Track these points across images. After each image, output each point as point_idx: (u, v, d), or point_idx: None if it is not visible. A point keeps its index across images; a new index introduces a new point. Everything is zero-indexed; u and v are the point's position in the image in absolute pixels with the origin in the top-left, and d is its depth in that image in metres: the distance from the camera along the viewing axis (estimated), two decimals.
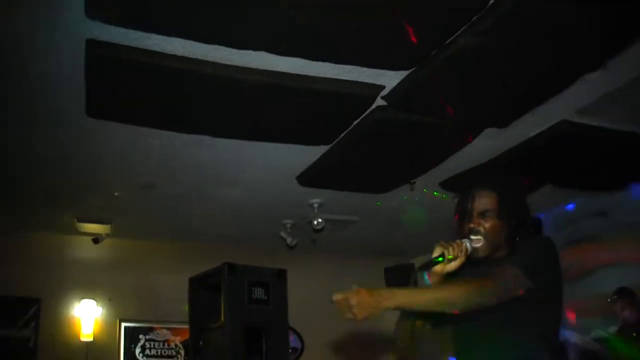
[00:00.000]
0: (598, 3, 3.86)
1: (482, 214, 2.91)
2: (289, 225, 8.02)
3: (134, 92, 4.67)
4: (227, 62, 4.35)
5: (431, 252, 2.80)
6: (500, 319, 2.80)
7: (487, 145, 5.92)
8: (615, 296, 6.60)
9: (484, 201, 2.93)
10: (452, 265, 2.81)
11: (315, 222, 7.41)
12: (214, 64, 4.34)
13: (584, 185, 7.12)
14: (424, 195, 7.13)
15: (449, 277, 2.84)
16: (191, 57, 4.26)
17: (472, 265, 2.88)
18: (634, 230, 7.38)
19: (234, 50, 4.19)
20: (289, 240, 8.02)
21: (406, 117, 5.20)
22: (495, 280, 2.73)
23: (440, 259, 2.77)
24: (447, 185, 6.91)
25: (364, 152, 5.87)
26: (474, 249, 2.87)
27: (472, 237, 2.87)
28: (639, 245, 7.32)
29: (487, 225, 2.90)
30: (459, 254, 2.80)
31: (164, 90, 4.65)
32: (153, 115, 5.12)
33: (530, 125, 5.56)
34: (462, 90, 4.80)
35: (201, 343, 6.11)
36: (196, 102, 4.82)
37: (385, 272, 9.95)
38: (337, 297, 2.59)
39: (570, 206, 8.00)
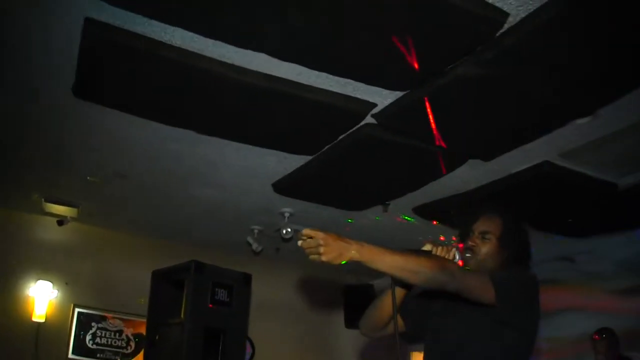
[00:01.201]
0: (599, 50, 3.89)
1: (483, 235, 2.96)
2: (256, 231, 7.96)
3: (125, 77, 4.61)
4: (225, 60, 4.31)
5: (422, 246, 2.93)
6: (468, 324, 2.87)
7: (468, 176, 5.94)
8: (604, 335, 6.40)
9: (487, 223, 3.00)
10: None
11: (284, 232, 7.37)
12: (211, 60, 4.30)
13: (555, 229, 7.18)
14: (394, 218, 7.14)
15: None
16: (189, 49, 4.22)
17: None
18: (596, 278, 7.49)
19: (233, 49, 4.15)
20: (254, 246, 7.97)
21: (393, 138, 5.19)
22: (463, 271, 2.81)
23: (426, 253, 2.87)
24: (420, 211, 6.92)
25: (345, 167, 5.85)
26: (464, 260, 2.92)
27: (466, 254, 2.93)
28: (600, 294, 7.44)
29: (485, 247, 2.96)
30: (445, 257, 2.90)
31: (155, 79, 4.58)
32: (140, 104, 5.04)
33: (513, 161, 5.58)
34: (453, 118, 4.81)
35: (157, 337, 6.07)
36: (187, 96, 4.76)
37: (343, 289, 9.94)
38: (306, 231, 2.63)
39: None
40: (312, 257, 2.64)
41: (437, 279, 2.68)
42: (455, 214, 3.18)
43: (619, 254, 7.36)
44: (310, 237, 2.62)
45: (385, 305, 3.21)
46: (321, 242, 2.59)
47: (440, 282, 2.69)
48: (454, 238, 3.14)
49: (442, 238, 7.57)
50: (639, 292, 7.08)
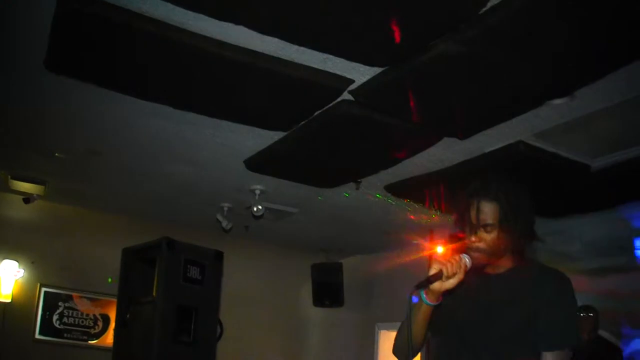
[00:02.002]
0: (580, 32, 3.89)
1: (485, 227, 2.82)
2: (226, 209, 7.92)
3: (101, 50, 4.51)
4: (204, 34, 4.24)
5: (428, 270, 2.70)
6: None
7: (441, 154, 5.94)
8: (591, 313, 6.17)
9: (487, 212, 2.79)
10: (451, 283, 2.70)
11: (255, 209, 7.33)
12: (191, 34, 4.22)
13: None
14: (365, 196, 7.13)
15: (447, 295, 2.78)
16: (168, 22, 4.14)
17: (473, 273, 2.81)
18: (565, 259, 7.55)
19: (212, 22, 4.07)
20: (224, 223, 7.92)
21: (369, 115, 5.15)
22: None
23: (436, 275, 2.71)
24: (391, 189, 6.92)
25: (319, 144, 5.82)
26: (472, 259, 2.81)
27: (472, 253, 2.81)
28: (569, 274, 7.48)
29: (489, 237, 2.79)
30: (458, 271, 2.70)
31: (133, 52, 4.50)
32: (117, 77, 4.94)
33: (487, 140, 5.59)
34: (431, 96, 4.80)
35: (128, 316, 6.01)
36: (164, 70, 4.69)
37: (312, 268, 9.95)
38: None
39: None
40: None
41: None
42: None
43: (588, 235, 7.42)
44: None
45: (419, 329, 2.94)
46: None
47: None
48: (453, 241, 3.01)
49: (412, 217, 7.66)
50: (608, 272, 7.14)
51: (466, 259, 2.71)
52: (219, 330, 8.52)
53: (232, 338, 8.35)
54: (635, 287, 6.82)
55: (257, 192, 7.31)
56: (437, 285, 2.70)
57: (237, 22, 4.04)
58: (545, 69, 4.36)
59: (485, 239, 2.79)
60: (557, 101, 4.83)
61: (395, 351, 3.02)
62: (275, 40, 4.23)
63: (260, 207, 7.35)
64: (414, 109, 4.91)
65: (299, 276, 9.99)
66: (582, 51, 4.12)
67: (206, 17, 4.02)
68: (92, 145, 6.35)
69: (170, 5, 3.94)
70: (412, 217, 7.69)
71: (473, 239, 2.79)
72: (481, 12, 3.78)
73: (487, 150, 5.81)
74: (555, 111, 5.02)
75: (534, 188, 6.18)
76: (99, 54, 4.58)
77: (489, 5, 3.73)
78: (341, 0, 3.73)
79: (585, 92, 4.68)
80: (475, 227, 2.79)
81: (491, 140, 5.60)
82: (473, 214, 2.80)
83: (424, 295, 2.76)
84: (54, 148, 6.51)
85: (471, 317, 2.85)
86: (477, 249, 2.79)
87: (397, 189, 6.89)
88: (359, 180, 6.76)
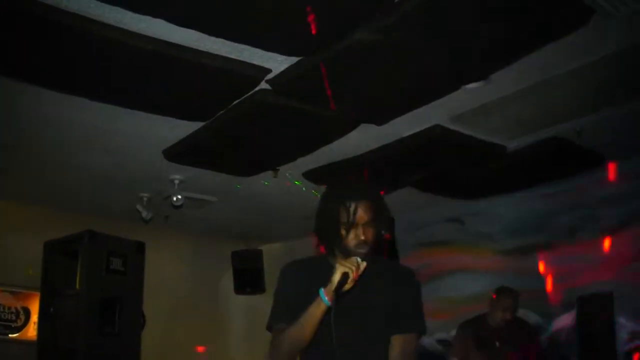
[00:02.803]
0: (493, 18, 4.05)
1: (366, 224, 2.97)
2: (145, 199, 7.90)
3: (14, 42, 4.44)
4: (121, 26, 4.25)
5: (333, 275, 2.81)
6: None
7: (359, 140, 6.08)
8: (510, 293, 6.22)
9: (365, 209, 2.96)
10: (351, 284, 2.84)
11: (175, 199, 7.34)
12: (107, 26, 4.21)
13: (445, 191, 7.42)
14: (283, 183, 7.22)
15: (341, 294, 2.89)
16: (84, 15, 4.13)
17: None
18: (485, 239, 7.78)
19: (130, 15, 4.09)
20: (144, 214, 7.89)
21: (286, 103, 5.23)
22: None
23: (344, 278, 2.83)
24: (309, 175, 7.04)
25: (237, 133, 5.88)
26: (363, 256, 2.96)
27: (360, 250, 2.95)
28: (489, 254, 7.72)
29: (370, 235, 2.98)
30: (359, 272, 2.85)
31: (48, 45, 4.43)
32: (31, 70, 4.86)
33: (405, 125, 5.76)
34: (347, 84, 4.91)
35: (52, 309, 5.99)
36: (79, 62, 4.66)
37: (232, 255, 10.01)
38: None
39: None
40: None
41: None
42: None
43: (506, 216, 7.68)
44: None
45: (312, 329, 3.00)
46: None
47: None
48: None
49: None
50: (526, 252, 7.40)
51: (359, 260, 2.86)
52: (142, 320, 8.54)
53: (155, 328, 8.35)
54: (557, 264, 7.10)
55: (176, 181, 7.31)
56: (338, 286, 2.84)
57: (154, 14, 4.07)
58: (460, 54, 4.51)
59: (367, 236, 2.96)
60: (473, 85, 5.01)
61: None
62: (193, 31, 4.27)
63: (179, 196, 7.36)
64: (331, 97, 5.00)
65: (220, 264, 10.03)
66: (494, 36, 4.26)
67: (124, 10, 4.04)
68: (5, 139, 6.23)
69: None
70: None
71: (362, 237, 2.94)
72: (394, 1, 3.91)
73: (404, 134, 5.97)
74: (470, 95, 5.19)
75: (451, 170, 6.50)
76: (10, 46, 4.50)
77: None
78: None
79: (500, 75, 4.86)
80: (359, 226, 2.95)
81: (408, 124, 5.76)
82: (356, 214, 2.94)
83: (324, 296, 2.85)
84: None
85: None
86: (366, 247, 2.96)
87: (315, 175, 7.00)
88: (277, 168, 6.85)
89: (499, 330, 6.16)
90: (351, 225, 2.94)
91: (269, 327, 3.16)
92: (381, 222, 3.04)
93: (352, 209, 2.93)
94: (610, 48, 4.54)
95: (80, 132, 6.12)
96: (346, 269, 2.79)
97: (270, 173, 7.00)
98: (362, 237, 2.94)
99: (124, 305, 5.93)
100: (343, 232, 2.95)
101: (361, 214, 2.95)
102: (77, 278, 5.75)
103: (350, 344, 2.92)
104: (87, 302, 5.65)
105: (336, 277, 2.78)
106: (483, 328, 6.25)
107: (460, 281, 7.87)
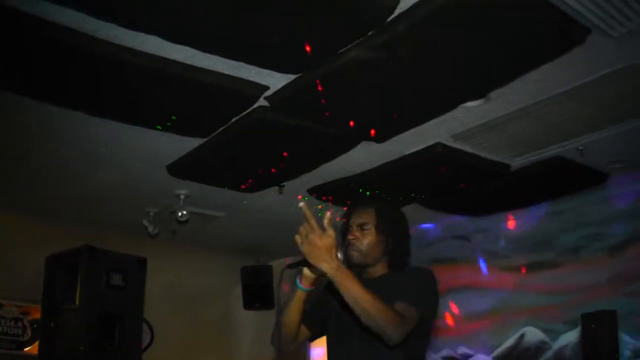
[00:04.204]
0: (490, 36, 4.04)
1: (361, 227, 3.08)
2: (152, 214, 7.91)
3: (11, 58, 4.45)
4: (116, 42, 4.26)
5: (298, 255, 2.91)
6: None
7: (361, 157, 6.06)
8: None
9: (363, 215, 3.14)
10: (319, 270, 2.89)
11: (180, 214, 7.34)
12: (102, 41, 4.22)
13: (450, 208, 7.39)
14: (290, 199, 7.20)
15: (326, 284, 2.95)
16: (80, 30, 4.14)
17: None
18: (493, 257, 7.74)
19: (124, 31, 4.10)
20: (150, 229, 7.91)
21: (285, 120, 5.24)
22: (403, 319, 2.91)
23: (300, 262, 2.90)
24: (314, 192, 7.02)
25: (239, 149, 5.88)
26: (349, 256, 3.01)
27: (351, 250, 3.04)
28: (496, 271, 7.69)
29: (365, 238, 3.07)
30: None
31: (43, 60, 4.45)
32: (29, 84, 4.87)
33: (407, 143, 5.75)
34: (346, 101, 4.90)
35: (52, 324, 5.99)
36: (75, 77, 4.66)
37: (242, 271, 9.99)
38: (308, 213, 2.86)
39: (430, 226, 8.28)
40: (298, 242, 2.83)
41: (381, 327, 2.84)
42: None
43: (512, 232, 7.66)
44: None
45: (291, 315, 3.26)
46: (312, 239, 2.76)
47: (382, 330, 2.86)
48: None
49: (337, 219, 7.76)
50: (536, 269, 7.37)
51: (338, 254, 2.86)
52: (150, 336, 8.53)
53: (163, 344, 8.34)
54: (562, 281, 7.05)
55: (182, 196, 7.32)
56: (307, 272, 3.03)
57: (149, 32, 4.08)
58: (456, 73, 4.50)
59: (360, 239, 3.04)
60: (472, 103, 5.00)
61: (272, 341, 3.25)
62: (188, 48, 4.28)
63: (184, 212, 7.36)
64: (329, 115, 5.01)
65: (229, 280, 10.01)
66: (491, 54, 4.26)
67: (119, 27, 4.06)
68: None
69: (82, 15, 3.95)
70: (337, 219, 7.78)
71: (351, 236, 3.05)
72: (389, 19, 3.90)
73: (406, 152, 5.96)
74: (471, 113, 5.20)
75: (455, 188, 6.46)
76: (10, 62, 4.52)
77: (396, 12, 3.85)
78: (250, 12, 3.80)
79: (499, 94, 4.87)
80: (353, 228, 3.07)
81: (410, 142, 5.76)
82: (351, 217, 3.09)
83: (298, 281, 3.09)
84: None
85: (344, 316, 3.06)
86: (353, 245, 3.04)
87: (320, 192, 6.99)
88: (282, 184, 6.83)
89: None
90: (349, 227, 3.22)
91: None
92: (381, 230, 3.20)
93: (350, 214, 3.26)
94: (608, 67, 4.53)
95: (85, 147, 6.12)
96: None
97: (275, 189, 6.98)
98: (350, 237, 3.17)
99: (124, 321, 5.90)
100: (346, 234, 3.23)
101: (354, 218, 3.23)
102: (77, 293, 5.74)
103: (366, 339, 3.02)
104: (85, 318, 5.63)
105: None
106: None
107: (466, 298, 7.83)
